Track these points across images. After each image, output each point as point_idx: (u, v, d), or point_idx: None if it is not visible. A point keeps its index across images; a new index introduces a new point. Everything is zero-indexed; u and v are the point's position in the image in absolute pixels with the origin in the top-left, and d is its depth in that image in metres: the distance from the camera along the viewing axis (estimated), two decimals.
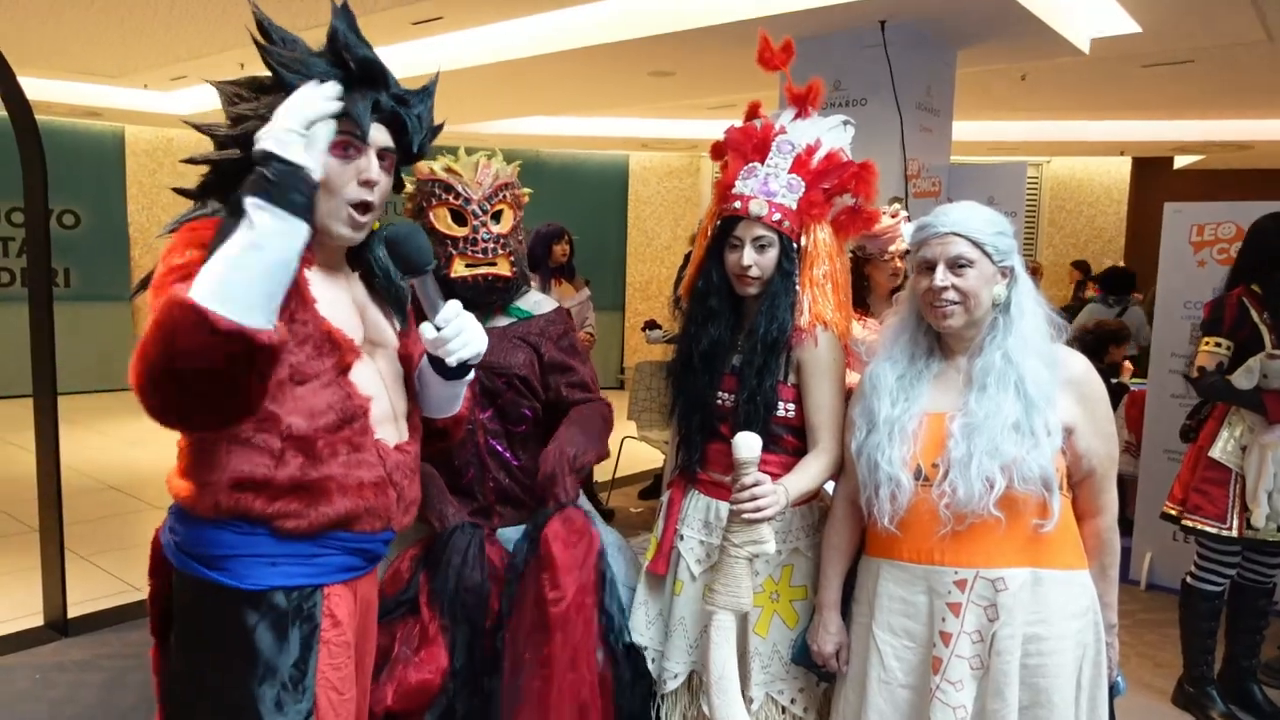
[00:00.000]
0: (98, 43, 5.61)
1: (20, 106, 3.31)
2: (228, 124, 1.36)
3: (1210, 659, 3.01)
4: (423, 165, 1.96)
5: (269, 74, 1.34)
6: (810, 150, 1.86)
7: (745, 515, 1.61)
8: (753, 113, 1.95)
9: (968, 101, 5.64)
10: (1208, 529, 2.86)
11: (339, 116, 1.28)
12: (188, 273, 1.18)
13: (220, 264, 1.15)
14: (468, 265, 1.93)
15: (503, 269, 1.97)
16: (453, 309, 1.43)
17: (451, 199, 1.93)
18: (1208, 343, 2.88)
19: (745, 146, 1.89)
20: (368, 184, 1.35)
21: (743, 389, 1.83)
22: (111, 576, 3.97)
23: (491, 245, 1.94)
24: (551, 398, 2.08)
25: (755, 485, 1.60)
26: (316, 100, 1.25)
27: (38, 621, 3.48)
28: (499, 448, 2.03)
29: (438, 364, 1.49)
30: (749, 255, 1.82)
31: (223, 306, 1.12)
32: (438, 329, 1.43)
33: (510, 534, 2.00)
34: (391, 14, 4.58)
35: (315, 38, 1.37)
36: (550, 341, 2.06)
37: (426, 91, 1.44)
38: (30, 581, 3.59)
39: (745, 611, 1.71)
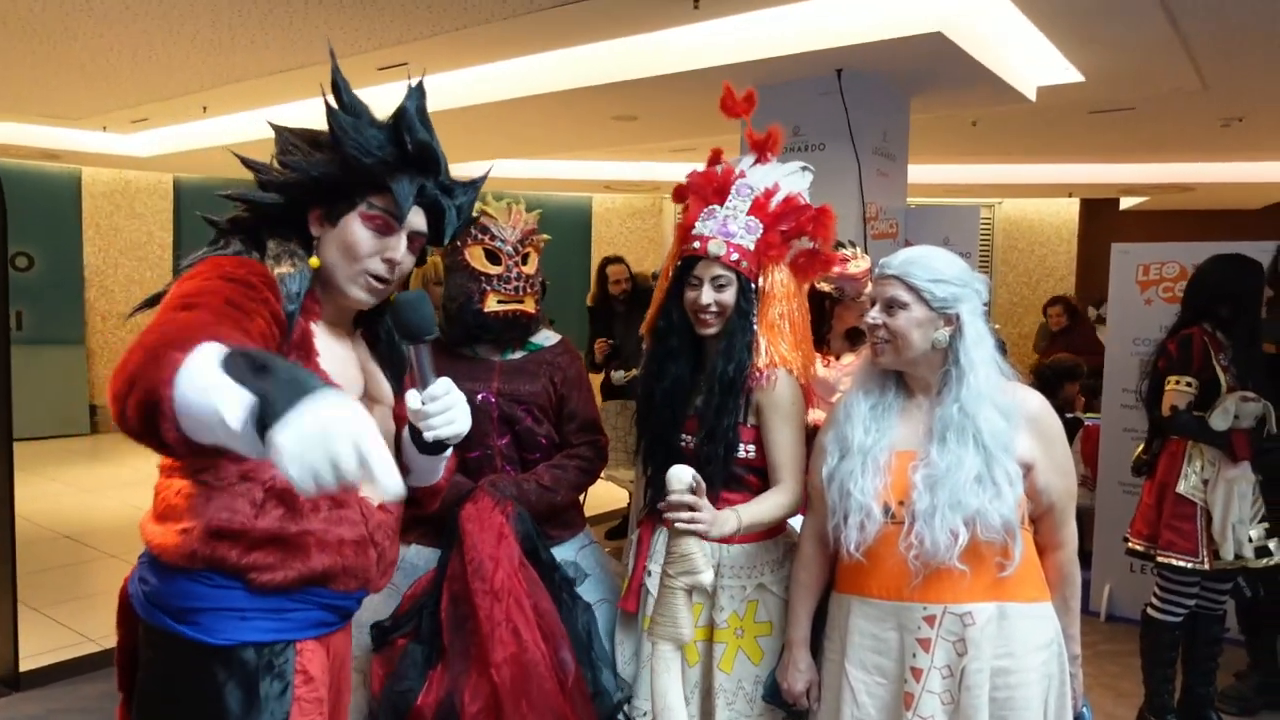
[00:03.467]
0: (57, 85, 5.57)
1: None
2: (277, 167, 1.36)
3: (1171, 688, 3.07)
4: None
5: (325, 131, 1.34)
6: (769, 194, 1.92)
7: (678, 525, 1.68)
8: (715, 159, 2.02)
9: (922, 146, 5.81)
10: (1183, 564, 2.92)
11: (380, 191, 1.31)
12: (203, 302, 1.13)
13: (205, 404, 0.95)
14: (499, 301, 2.06)
15: (528, 307, 2.11)
16: (443, 386, 1.35)
17: (488, 240, 2.07)
18: (1177, 382, 2.94)
19: (706, 190, 1.95)
20: (390, 262, 1.36)
21: (702, 428, 1.86)
22: (65, 628, 3.85)
23: (521, 285, 2.09)
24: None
25: (690, 507, 1.69)
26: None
27: None
28: (514, 474, 2.07)
29: (415, 436, 1.43)
30: (708, 294, 1.87)
31: (184, 422, 0.97)
32: (423, 403, 1.36)
33: None
34: (358, 59, 4.63)
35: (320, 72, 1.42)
36: (560, 371, 2.17)
37: (474, 184, 1.45)
38: None
39: (685, 642, 1.74)
